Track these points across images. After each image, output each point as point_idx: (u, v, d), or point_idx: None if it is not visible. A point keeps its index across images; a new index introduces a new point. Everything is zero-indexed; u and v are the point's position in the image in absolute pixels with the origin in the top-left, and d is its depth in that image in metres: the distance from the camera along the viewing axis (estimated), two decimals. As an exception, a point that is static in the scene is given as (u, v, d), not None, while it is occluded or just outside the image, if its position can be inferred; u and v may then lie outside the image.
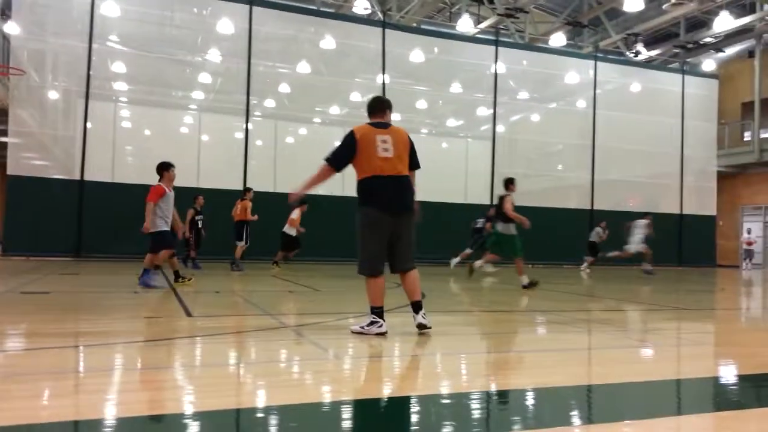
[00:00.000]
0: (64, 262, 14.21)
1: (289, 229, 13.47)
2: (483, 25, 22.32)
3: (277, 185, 16.19)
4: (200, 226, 13.11)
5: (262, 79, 17.58)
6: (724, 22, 21.89)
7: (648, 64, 24.64)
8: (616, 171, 20.95)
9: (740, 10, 22.84)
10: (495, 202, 11.03)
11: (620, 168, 21.01)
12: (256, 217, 12.70)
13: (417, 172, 5.00)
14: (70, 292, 8.09)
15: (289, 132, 18.93)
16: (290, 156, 17.63)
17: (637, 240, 15.18)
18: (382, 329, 4.63)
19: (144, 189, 8.49)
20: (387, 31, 17.96)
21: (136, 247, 15.11)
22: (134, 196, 15.75)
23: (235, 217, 12.77)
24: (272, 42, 17.68)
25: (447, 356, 4.28)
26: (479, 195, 19.12)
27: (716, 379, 3.96)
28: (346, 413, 2.78)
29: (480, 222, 15.94)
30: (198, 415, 2.63)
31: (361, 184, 4.79)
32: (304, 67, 17.90)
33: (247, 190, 13.31)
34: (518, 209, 20.26)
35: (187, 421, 2.56)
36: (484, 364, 4.16)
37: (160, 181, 8.29)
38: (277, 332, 5.06)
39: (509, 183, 10.10)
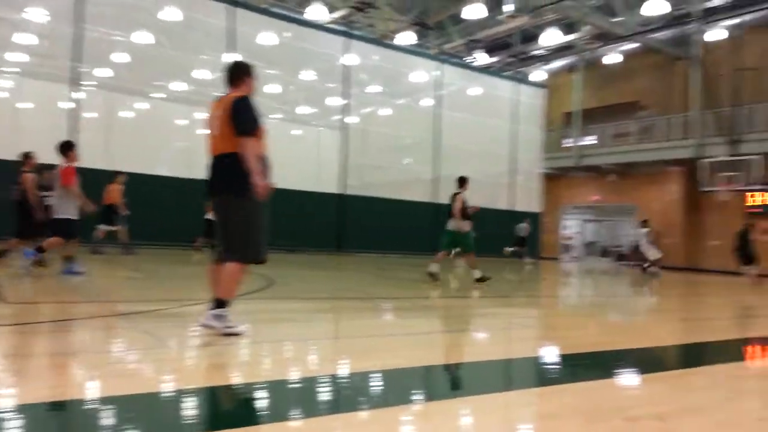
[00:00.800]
0: None
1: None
2: (334, 15, 22.39)
3: (113, 162, 14.87)
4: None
5: (96, 47, 15.99)
6: (552, 37, 24.18)
7: (486, 70, 26.38)
8: (457, 168, 22.08)
9: (565, 28, 25.35)
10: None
11: (461, 165, 22.16)
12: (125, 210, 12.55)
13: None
14: None
15: (127, 106, 17.42)
16: (127, 131, 16.26)
17: (648, 246, 16.45)
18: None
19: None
20: (236, 9, 17.28)
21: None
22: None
23: (106, 201, 12.45)
24: (107, 6, 16.10)
25: (296, 342, 4.21)
26: (330, 184, 19.22)
27: (538, 358, 4.34)
28: (176, 402, 2.62)
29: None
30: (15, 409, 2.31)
31: None
32: (144, 38, 16.58)
33: (118, 173, 12.79)
34: (371, 200, 20.67)
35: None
36: (329, 349, 4.16)
37: (66, 161, 7.63)
38: (106, 320, 4.64)
39: (463, 182, 10.03)
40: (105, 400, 2.57)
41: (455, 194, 9.90)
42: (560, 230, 28.68)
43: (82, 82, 15.82)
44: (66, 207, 7.47)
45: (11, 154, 13.32)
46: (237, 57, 16.97)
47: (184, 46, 17.48)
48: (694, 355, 4.91)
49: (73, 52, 15.25)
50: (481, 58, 26.63)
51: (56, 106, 15.55)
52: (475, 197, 23.19)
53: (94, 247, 12.21)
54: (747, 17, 20.57)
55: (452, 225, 9.86)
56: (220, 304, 3.95)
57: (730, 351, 5.11)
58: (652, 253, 16.18)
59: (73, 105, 15.46)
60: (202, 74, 17.84)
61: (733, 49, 20.50)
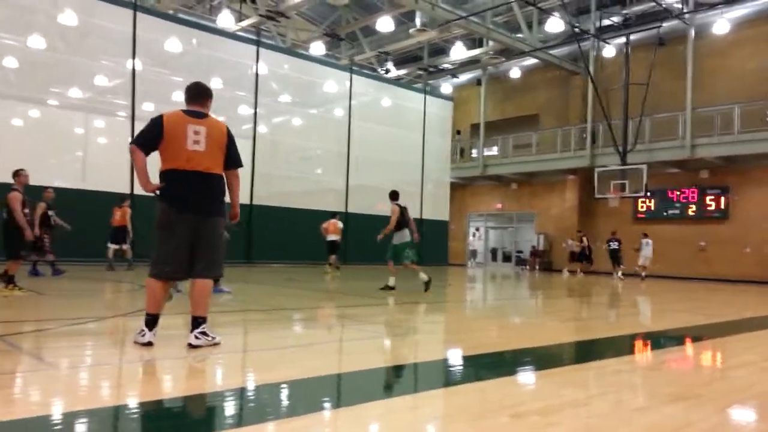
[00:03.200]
0: None
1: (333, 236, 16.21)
2: (244, 24, 22.12)
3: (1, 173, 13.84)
4: (54, 223, 11.21)
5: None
6: (458, 51, 25.09)
7: (396, 81, 26.94)
8: (367, 177, 22.45)
9: (471, 42, 26.37)
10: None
11: (371, 174, 22.58)
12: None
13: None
14: None
15: (17, 113, 16.28)
16: (16, 140, 15.19)
17: (647, 253, 19.09)
18: (144, 338, 4.17)
19: None
20: (138, 14, 16.66)
21: None
22: None
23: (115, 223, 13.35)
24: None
25: (197, 357, 4.15)
26: (239, 194, 18.80)
27: (436, 361, 4.52)
28: (68, 425, 2.54)
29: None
30: None
31: (163, 177, 4.26)
32: (37, 42, 15.63)
33: (124, 197, 13.37)
34: (280, 210, 20.42)
35: None
36: (233, 363, 4.13)
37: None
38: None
39: (396, 194, 10.59)
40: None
41: (405, 207, 10.38)
42: (466, 237, 29.64)
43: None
44: None
45: None
46: (139, 64, 16.36)
47: (82, 52, 16.64)
48: (582, 352, 5.28)
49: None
50: (391, 70, 27.15)
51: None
52: (383, 207, 23.65)
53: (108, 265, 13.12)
54: (634, 36, 22.29)
55: (410, 237, 10.34)
56: (202, 321, 4.29)
57: (615, 347, 5.53)
58: (643, 260, 18.96)
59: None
60: (100, 80, 17.04)
61: (623, 65, 22.13)
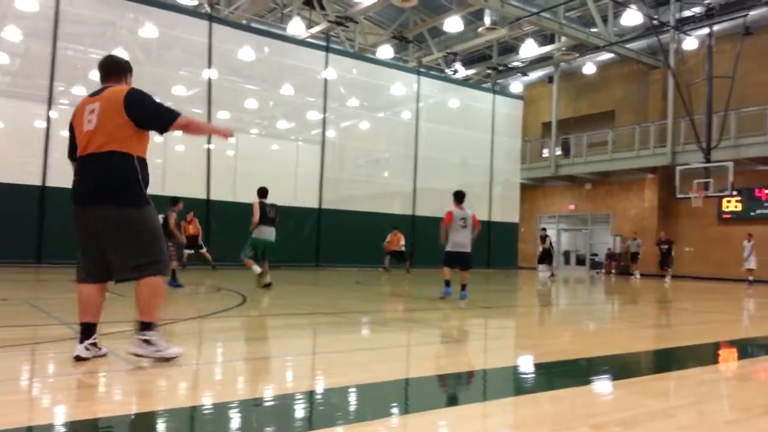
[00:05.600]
0: None
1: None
2: (314, 30, 22.51)
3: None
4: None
5: (71, 64, 15.88)
6: (529, 49, 24.54)
7: (464, 82, 26.64)
8: (435, 179, 22.29)
9: (543, 39, 25.71)
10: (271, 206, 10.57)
11: (439, 177, 22.39)
12: None
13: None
14: None
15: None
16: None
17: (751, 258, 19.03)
18: (75, 351, 3.57)
19: None
20: (214, 25, 17.28)
21: None
22: None
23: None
24: (84, 25, 16.05)
25: (270, 359, 4.22)
26: (309, 198, 19.16)
27: (509, 368, 4.39)
28: (128, 427, 2.62)
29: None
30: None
31: None
32: (120, 55, 16.45)
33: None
34: (345, 213, 20.66)
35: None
36: (303, 366, 4.17)
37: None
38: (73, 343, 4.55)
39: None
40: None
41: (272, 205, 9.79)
42: (537, 240, 28.85)
43: (60, 101, 15.67)
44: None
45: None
46: (214, 73, 16.96)
47: (162, 63, 17.44)
48: (663, 361, 5.00)
49: (49, 71, 15.06)
50: (460, 70, 26.90)
51: (32, 126, 15.37)
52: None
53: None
54: (718, 26, 21.08)
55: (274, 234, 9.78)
56: (147, 326, 3.54)
57: (699, 356, 5.21)
58: (750, 263, 18.93)
59: (44, 125, 15.13)
60: (178, 90, 17.80)
61: (706, 57, 20.97)
